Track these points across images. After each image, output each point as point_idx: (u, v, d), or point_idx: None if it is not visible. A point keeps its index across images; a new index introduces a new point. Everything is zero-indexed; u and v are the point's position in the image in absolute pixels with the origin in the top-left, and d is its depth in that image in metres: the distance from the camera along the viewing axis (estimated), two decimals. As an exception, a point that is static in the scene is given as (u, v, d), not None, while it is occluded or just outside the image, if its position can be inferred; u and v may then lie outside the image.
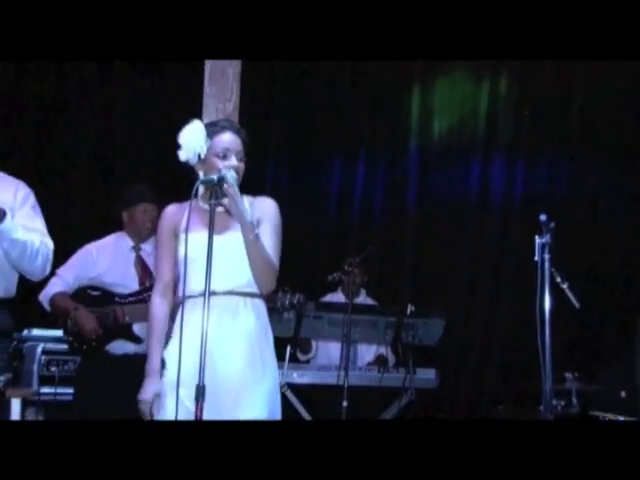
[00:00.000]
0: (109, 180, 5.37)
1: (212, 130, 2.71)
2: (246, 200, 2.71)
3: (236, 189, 2.56)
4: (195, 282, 2.54)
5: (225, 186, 2.53)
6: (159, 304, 2.80)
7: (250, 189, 2.77)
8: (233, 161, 2.69)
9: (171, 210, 2.81)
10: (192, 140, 2.66)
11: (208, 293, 2.43)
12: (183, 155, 2.68)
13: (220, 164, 2.64)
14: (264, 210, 2.76)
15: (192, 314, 2.59)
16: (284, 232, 2.81)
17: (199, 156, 2.66)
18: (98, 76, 5.50)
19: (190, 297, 2.62)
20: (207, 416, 2.48)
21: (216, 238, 2.52)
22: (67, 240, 3.90)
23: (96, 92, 5.50)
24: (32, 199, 3.37)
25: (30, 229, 3.25)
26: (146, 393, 2.74)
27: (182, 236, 2.63)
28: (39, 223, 3.34)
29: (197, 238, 2.56)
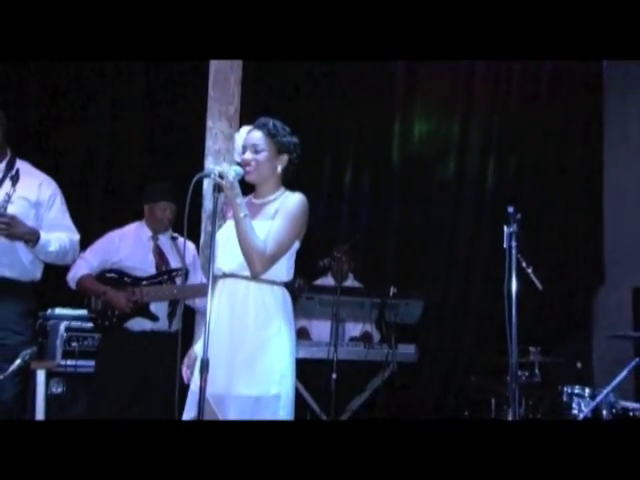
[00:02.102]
0: (124, 176, 5.35)
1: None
2: (285, 194, 2.73)
3: (230, 180, 2.52)
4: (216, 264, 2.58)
5: (218, 179, 2.50)
6: None
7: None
8: (245, 155, 2.67)
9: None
10: (236, 144, 2.77)
11: (212, 276, 2.44)
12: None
13: (238, 159, 2.71)
14: (285, 202, 2.69)
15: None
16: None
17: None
18: (109, 78, 5.48)
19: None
20: (210, 389, 2.45)
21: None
22: (89, 225, 3.88)
23: (110, 92, 5.47)
24: (60, 197, 3.45)
25: (60, 226, 3.39)
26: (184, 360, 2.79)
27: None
28: (67, 219, 3.46)
29: (228, 225, 2.64)
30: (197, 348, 2.67)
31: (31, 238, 3.19)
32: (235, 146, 2.79)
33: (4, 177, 3.25)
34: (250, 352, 2.59)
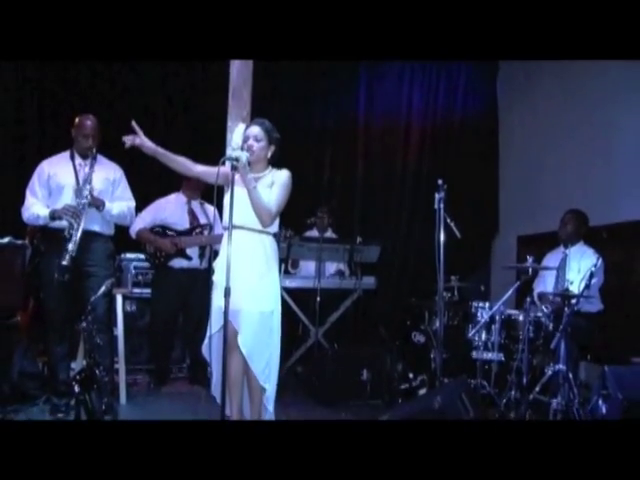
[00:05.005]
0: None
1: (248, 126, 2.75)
2: (273, 171, 2.70)
3: (244, 162, 2.46)
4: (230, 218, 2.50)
5: (235, 162, 2.44)
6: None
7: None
8: (248, 143, 2.63)
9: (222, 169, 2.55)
10: (236, 136, 2.76)
11: (231, 227, 2.44)
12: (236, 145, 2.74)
13: (243, 146, 2.66)
14: (278, 176, 2.68)
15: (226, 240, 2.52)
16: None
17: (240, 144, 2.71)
18: (162, 94, 5.34)
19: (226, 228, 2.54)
20: (231, 306, 2.40)
21: (243, 191, 2.54)
22: (144, 195, 3.89)
23: (157, 97, 5.25)
24: (124, 178, 3.56)
25: (123, 197, 3.50)
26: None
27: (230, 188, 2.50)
28: (128, 192, 3.57)
29: (236, 190, 2.50)
30: (216, 277, 2.60)
31: (99, 204, 3.30)
32: (233, 137, 2.77)
33: (90, 167, 3.33)
34: (255, 281, 2.59)
